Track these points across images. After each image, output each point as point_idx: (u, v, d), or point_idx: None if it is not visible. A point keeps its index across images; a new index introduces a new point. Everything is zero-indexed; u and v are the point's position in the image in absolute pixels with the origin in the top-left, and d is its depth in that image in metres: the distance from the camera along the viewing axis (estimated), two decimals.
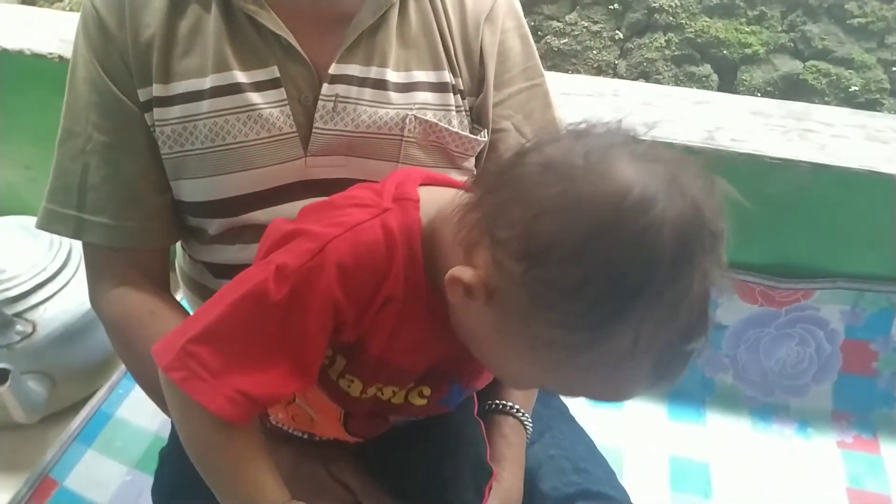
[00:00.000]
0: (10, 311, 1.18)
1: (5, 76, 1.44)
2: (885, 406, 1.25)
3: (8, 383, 1.03)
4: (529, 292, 0.49)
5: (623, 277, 0.46)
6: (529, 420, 0.79)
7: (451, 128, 0.78)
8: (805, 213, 1.18)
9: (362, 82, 0.76)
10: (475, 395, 0.74)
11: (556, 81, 1.39)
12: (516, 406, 0.78)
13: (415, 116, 0.76)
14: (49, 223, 0.78)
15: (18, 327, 1.18)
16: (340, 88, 0.75)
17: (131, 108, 0.75)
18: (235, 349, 0.56)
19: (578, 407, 0.96)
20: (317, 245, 0.56)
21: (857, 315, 1.22)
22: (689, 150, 1.13)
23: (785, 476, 1.16)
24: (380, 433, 0.70)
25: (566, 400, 0.97)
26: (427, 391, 0.66)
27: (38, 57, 1.37)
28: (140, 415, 1.19)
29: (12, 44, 1.39)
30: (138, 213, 0.77)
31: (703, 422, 1.25)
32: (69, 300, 1.23)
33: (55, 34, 1.43)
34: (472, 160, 0.82)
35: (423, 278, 0.58)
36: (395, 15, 0.78)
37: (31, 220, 1.32)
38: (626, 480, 0.85)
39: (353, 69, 0.76)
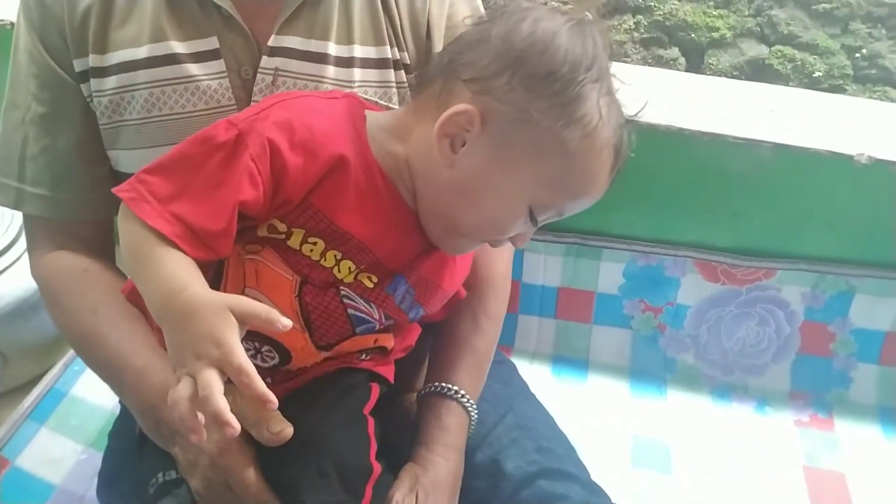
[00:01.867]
0: None
1: None
2: (840, 386, 1.27)
3: None
4: (520, 89, 0.63)
5: (577, 65, 0.63)
6: (473, 406, 0.79)
7: (391, 105, 0.78)
8: (766, 194, 1.19)
9: (303, 55, 0.75)
10: (374, 394, 0.72)
11: None
12: (461, 391, 0.78)
13: (354, 94, 0.75)
14: None
15: None
16: (279, 61, 0.75)
17: (67, 79, 0.75)
18: (180, 181, 0.61)
19: (540, 385, 0.96)
20: (266, 104, 0.65)
21: (817, 297, 1.24)
22: (654, 130, 1.13)
23: (744, 453, 1.17)
24: (335, 323, 0.68)
25: (527, 378, 0.97)
26: (374, 278, 0.68)
27: None
28: (96, 392, 1.16)
29: None
30: (75, 184, 0.77)
31: (664, 399, 1.27)
32: (21, 275, 1.20)
33: (8, 0, 1.38)
34: None
35: (376, 164, 0.67)
36: None
37: None
38: (588, 457, 0.86)
39: (294, 41, 0.75)
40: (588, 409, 1.23)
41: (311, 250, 0.65)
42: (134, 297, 0.74)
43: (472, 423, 0.79)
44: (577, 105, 0.62)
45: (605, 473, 0.85)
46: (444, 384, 0.78)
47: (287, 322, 0.55)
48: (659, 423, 1.22)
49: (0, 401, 1.21)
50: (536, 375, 1.26)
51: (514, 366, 1.00)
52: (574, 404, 1.23)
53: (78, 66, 0.75)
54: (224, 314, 0.55)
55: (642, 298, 1.29)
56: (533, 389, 0.96)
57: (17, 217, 1.25)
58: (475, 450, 0.81)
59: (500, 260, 0.87)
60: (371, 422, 0.69)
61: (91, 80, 0.75)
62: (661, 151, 1.14)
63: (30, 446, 1.08)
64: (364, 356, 0.72)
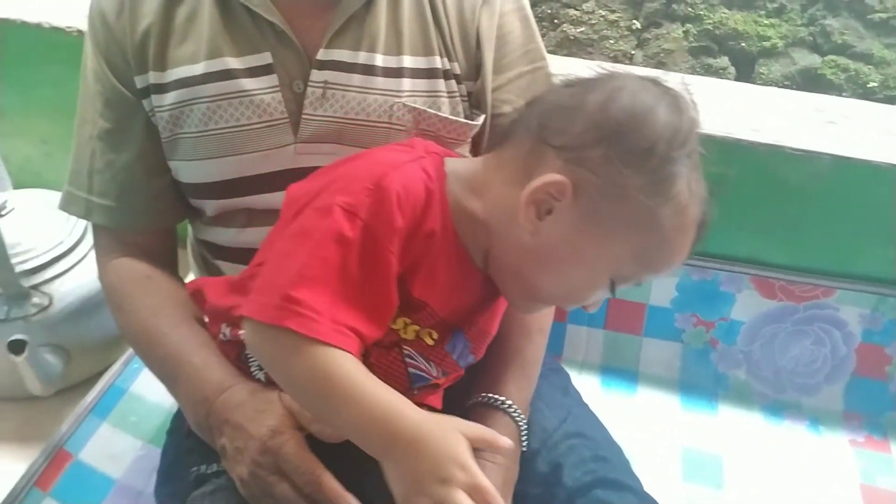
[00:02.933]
0: (27, 283, 1.18)
1: (24, 50, 1.43)
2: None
3: (25, 354, 1.03)
4: (616, 164, 0.61)
5: (672, 142, 0.61)
6: (522, 418, 0.79)
7: (440, 114, 0.78)
8: (825, 208, 1.17)
9: (351, 68, 0.76)
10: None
11: (574, 66, 1.38)
12: (508, 401, 0.78)
13: (403, 104, 0.77)
14: (67, 204, 0.85)
15: (35, 300, 1.18)
16: (329, 74, 0.76)
17: (129, 97, 0.79)
18: (330, 290, 0.59)
19: (589, 396, 0.96)
20: (371, 182, 0.61)
21: (876, 319, 1.22)
22: (709, 140, 1.11)
23: (797, 471, 1.16)
24: (395, 379, 0.68)
25: (580, 388, 0.97)
26: (435, 334, 0.69)
27: (56, 30, 1.37)
28: (154, 390, 1.19)
29: (31, 17, 1.38)
30: (138, 195, 0.82)
31: (715, 414, 1.25)
32: (85, 274, 1.23)
33: (74, 8, 1.43)
34: (467, 146, 0.83)
35: (451, 224, 0.66)
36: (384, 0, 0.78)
37: (49, 194, 1.34)
38: (638, 470, 0.85)
39: (342, 54, 0.77)
40: (638, 421, 1.22)
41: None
42: (197, 299, 0.77)
43: (522, 432, 0.79)
44: (672, 183, 0.62)
45: (655, 487, 0.84)
46: (492, 395, 0.79)
47: (508, 442, 0.60)
48: (710, 438, 1.21)
49: (63, 396, 1.23)
50: (585, 386, 1.24)
51: (567, 375, 1.00)
52: (623, 416, 1.22)
53: (139, 83, 0.79)
54: (458, 436, 0.57)
55: (695, 312, 1.28)
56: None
57: (80, 220, 1.29)
58: (535, 455, 0.81)
59: None
60: None
61: (152, 96, 0.78)
62: (717, 162, 1.13)
63: (91, 441, 1.10)
64: (416, 391, 0.72)
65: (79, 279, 1.23)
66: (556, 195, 0.63)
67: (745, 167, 1.14)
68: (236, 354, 0.73)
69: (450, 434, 0.56)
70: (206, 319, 0.77)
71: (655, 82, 0.65)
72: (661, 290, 1.27)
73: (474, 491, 0.54)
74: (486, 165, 0.70)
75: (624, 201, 0.62)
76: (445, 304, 0.67)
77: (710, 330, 1.28)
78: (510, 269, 0.67)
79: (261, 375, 0.72)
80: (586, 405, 0.95)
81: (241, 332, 0.70)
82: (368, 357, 0.67)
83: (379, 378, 0.65)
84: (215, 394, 0.70)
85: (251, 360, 0.72)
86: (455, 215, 0.66)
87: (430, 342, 0.69)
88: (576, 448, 0.83)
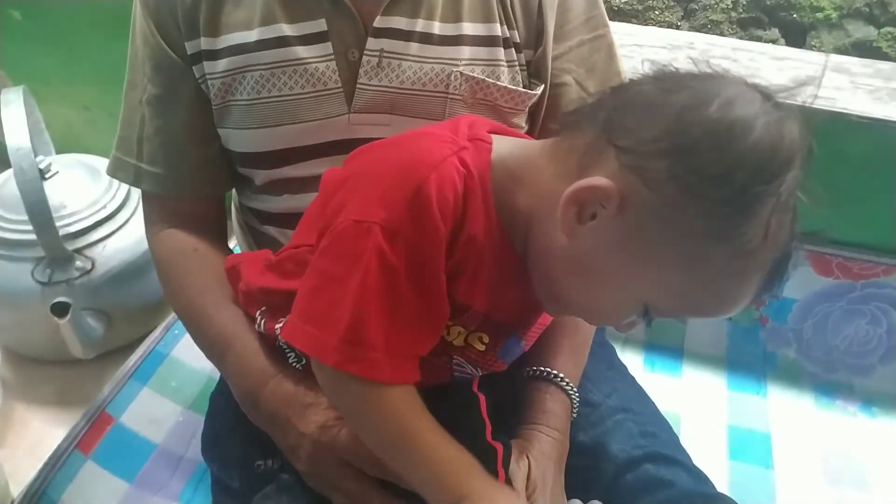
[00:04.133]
0: (71, 246, 1.19)
1: (67, 16, 1.43)
2: None
3: (68, 317, 1.04)
4: (679, 184, 0.52)
5: (760, 170, 0.51)
6: (575, 391, 0.77)
7: (499, 83, 0.75)
8: (891, 180, 1.11)
9: (408, 36, 0.74)
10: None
11: (629, 33, 1.33)
12: (560, 374, 0.76)
13: (461, 73, 0.74)
14: (115, 170, 0.84)
15: (78, 263, 1.19)
16: (385, 43, 0.74)
17: (179, 62, 0.77)
18: (387, 320, 0.56)
19: (635, 371, 0.94)
20: (410, 191, 0.56)
21: None
22: None
23: (849, 453, 1.12)
24: (437, 379, 0.67)
25: (625, 362, 0.95)
26: (486, 338, 0.65)
27: None
28: (195, 356, 1.19)
29: None
30: (187, 163, 0.80)
31: (763, 394, 1.22)
32: (127, 238, 1.24)
33: None
34: (524, 116, 0.79)
35: (497, 220, 0.60)
36: None
37: (92, 159, 1.34)
38: (685, 446, 0.83)
39: (399, 22, 0.74)
40: (683, 399, 1.20)
41: None
42: (232, 276, 0.76)
43: (574, 407, 0.77)
44: (742, 220, 0.52)
45: (702, 465, 0.82)
46: (546, 369, 0.76)
47: None
48: (758, 417, 1.17)
49: (104, 360, 1.25)
50: (628, 362, 1.22)
51: (613, 348, 0.98)
52: (667, 396, 1.19)
53: (190, 48, 0.76)
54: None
55: None
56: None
57: (122, 185, 1.29)
58: (578, 429, 0.79)
59: None
60: (482, 400, 0.67)
61: (204, 62, 0.76)
62: None
63: (132, 405, 1.11)
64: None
65: (121, 244, 1.23)
66: (601, 201, 0.55)
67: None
68: (272, 344, 0.71)
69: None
70: (241, 299, 0.75)
71: (767, 96, 0.54)
72: None
73: None
74: (540, 153, 0.62)
75: (674, 227, 0.53)
76: (490, 304, 0.63)
77: (759, 307, 1.25)
78: (542, 268, 0.61)
79: (299, 366, 0.70)
80: (633, 379, 0.92)
81: (277, 325, 0.68)
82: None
83: (425, 378, 0.64)
84: (259, 386, 0.69)
85: (288, 351, 0.70)
86: (500, 210, 0.60)
87: (480, 347, 0.66)
88: (623, 423, 0.81)
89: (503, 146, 0.62)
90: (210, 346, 0.77)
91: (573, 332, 0.80)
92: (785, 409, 1.19)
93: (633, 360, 1.26)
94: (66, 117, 1.60)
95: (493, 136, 0.63)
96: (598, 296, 0.59)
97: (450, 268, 0.58)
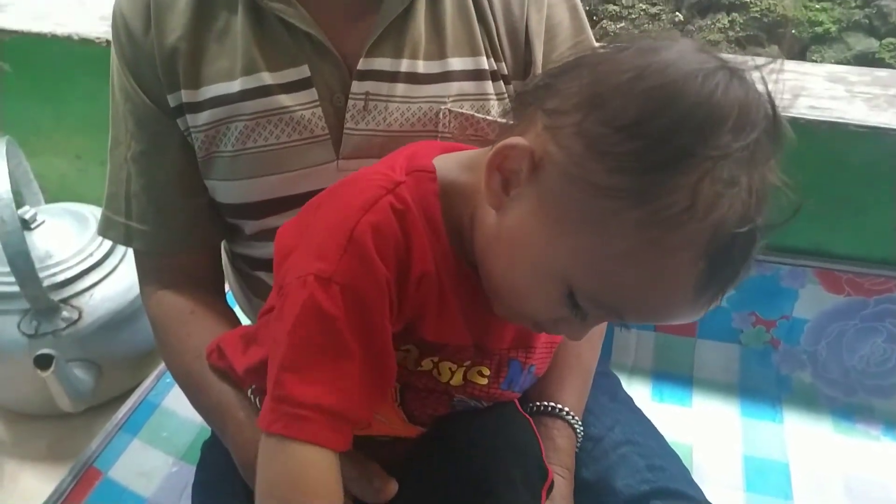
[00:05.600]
0: (57, 296, 1.17)
1: (54, 64, 1.43)
2: None
3: (52, 369, 1.01)
4: (585, 137, 0.47)
5: (684, 122, 0.45)
6: (580, 424, 0.73)
7: (489, 117, 0.73)
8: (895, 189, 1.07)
9: (393, 77, 0.72)
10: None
11: None
12: (565, 408, 0.73)
13: (449, 110, 0.72)
14: (105, 230, 0.81)
15: (65, 313, 1.16)
16: (370, 85, 0.72)
17: (162, 116, 0.75)
18: (325, 374, 0.51)
19: (643, 401, 0.90)
20: (343, 237, 0.52)
21: None
22: None
23: (876, 478, 1.06)
24: (440, 414, 0.64)
25: (632, 393, 0.91)
26: (486, 371, 0.62)
27: (85, 42, 1.36)
28: (187, 405, 1.14)
29: (61, 29, 1.37)
30: (177, 217, 0.78)
31: (779, 421, 1.16)
32: (116, 286, 1.21)
33: (102, 18, 1.42)
34: None
35: (451, 250, 0.56)
36: (423, 0, 0.73)
37: (80, 207, 1.33)
38: (697, 480, 0.79)
39: (383, 63, 0.72)
40: (695, 428, 1.14)
41: (405, 358, 0.59)
42: (217, 357, 0.72)
43: (578, 441, 0.74)
44: (656, 179, 0.45)
45: (717, 499, 0.77)
46: (550, 403, 0.73)
47: None
48: (775, 445, 1.12)
49: (95, 413, 1.22)
50: (635, 394, 1.17)
51: (617, 379, 0.94)
52: (680, 423, 1.14)
53: (171, 101, 0.74)
54: None
55: (753, 311, 1.19)
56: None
57: None
58: (580, 465, 0.75)
59: None
60: (532, 422, 0.66)
61: (186, 115, 0.74)
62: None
63: (122, 458, 1.08)
64: None
65: (109, 292, 1.21)
66: (518, 164, 0.51)
67: (803, 148, 1.06)
68: None
69: None
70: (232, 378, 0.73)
71: (717, 57, 0.48)
72: None
73: None
74: (485, 152, 0.57)
75: (583, 187, 0.47)
76: (473, 334, 0.60)
77: (770, 329, 1.20)
78: (480, 259, 0.56)
79: None
80: (638, 410, 0.89)
81: None
82: (406, 404, 0.62)
83: (427, 418, 0.62)
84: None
85: None
86: (453, 235, 0.56)
87: (481, 381, 0.63)
88: (628, 457, 0.77)
89: (449, 166, 0.58)
90: (209, 414, 0.75)
91: (579, 364, 0.77)
92: (803, 436, 1.14)
93: (640, 391, 1.21)
94: (59, 167, 1.59)
95: (438, 158, 0.59)
96: (523, 278, 0.53)
97: (411, 311, 0.55)
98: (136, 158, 0.77)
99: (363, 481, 0.61)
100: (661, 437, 0.84)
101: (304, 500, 0.50)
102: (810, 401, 1.19)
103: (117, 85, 0.77)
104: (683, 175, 0.45)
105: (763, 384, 1.21)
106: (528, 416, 0.66)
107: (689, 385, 1.22)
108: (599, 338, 0.83)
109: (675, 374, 1.23)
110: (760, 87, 0.48)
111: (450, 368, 0.61)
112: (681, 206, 0.45)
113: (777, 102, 0.48)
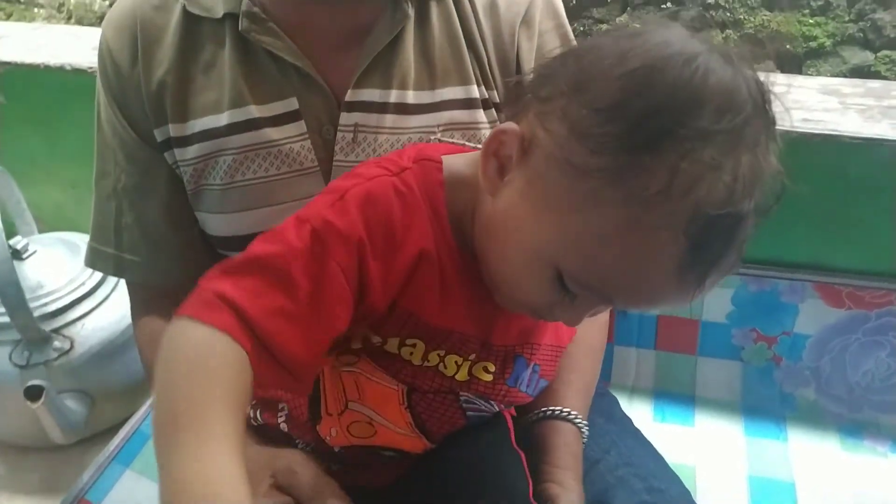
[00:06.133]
0: (48, 327, 1.16)
1: (49, 94, 1.43)
2: None
3: (41, 400, 1.00)
4: (569, 120, 0.48)
5: (663, 104, 0.46)
6: (586, 426, 0.72)
7: (479, 146, 0.72)
8: (893, 200, 1.06)
9: (383, 108, 0.72)
10: (511, 424, 0.67)
11: None
12: (573, 412, 0.72)
13: (439, 140, 0.71)
14: (94, 261, 0.81)
15: (56, 343, 1.15)
16: (359, 116, 0.72)
17: (150, 150, 0.75)
18: (251, 284, 0.50)
19: (645, 421, 0.88)
20: (335, 195, 0.55)
21: None
22: None
23: (886, 496, 1.04)
24: (451, 423, 0.63)
25: (631, 416, 0.90)
26: (491, 367, 0.61)
27: (78, 72, 1.36)
28: None
29: (54, 60, 1.38)
30: (168, 250, 0.78)
31: (784, 439, 1.14)
32: (108, 316, 1.21)
33: (94, 48, 1.42)
34: None
35: (453, 238, 0.57)
36: (411, 29, 0.72)
37: (73, 236, 1.32)
38: (703, 502, 0.77)
39: (372, 94, 0.72)
40: (698, 448, 1.12)
41: (412, 353, 0.59)
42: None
43: (583, 446, 0.73)
44: (634, 159, 0.46)
45: None
46: (558, 407, 0.72)
47: None
48: (780, 466, 1.09)
49: (89, 444, 1.20)
50: (636, 414, 1.16)
51: (615, 399, 0.93)
52: (681, 444, 1.12)
53: (159, 135, 0.74)
54: None
55: (754, 327, 1.17)
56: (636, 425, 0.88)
57: None
58: None
59: None
60: (523, 457, 0.64)
61: (174, 149, 0.74)
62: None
63: (114, 490, 1.06)
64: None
65: (101, 321, 1.20)
66: (509, 149, 0.53)
67: (798, 161, 1.04)
68: (271, 434, 0.68)
69: None
70: None
71: (706, 42, 0.49)
72: (716, 303, 1.17)
73: None
74: None
75: (566, 169, 0.48)
76: (479, 325, 0.60)
77: (772, 346, 1.18)
78: (479, 247, 0.57)
79: (307, 449, 0.67)
80: (637, 431, 0.87)
81: (280, 419, 0.66)
82: (414, 407, 0.61)
83: (434, 427, 0.61)
84: None
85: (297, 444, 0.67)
86: (456, 225, 0.58)
87: (486, 377, 0.62)
88: (625, 479, 0.75)
89: (456, 161, 0.60)
90: None
91: (582, 375, 0.76)
92: (808, 455, 1.11)
93: (641, 411, 1.19)
94: (55, 197, 1.59)
95: (447, 155, 0.61)
96: (515, 263, 0.54)
97: (405, 288, 0.55)
98: (126, 190, 0.77)
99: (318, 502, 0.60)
100: (661, 457, 0.82)
101: (202, 383, 0.46)
102: (815, 418, 1.16)
103: (104, 118, 0.77)
104: (662, 155, 0.45)
105: (766, 402, 1.18)
106: (520, 451, 0.65)
107: (692, 404, 1.20)
108: (601, 351, 0.82)
109: (676, 394, 1.21)
110: (749, 72, 0.48)
111: (455, 362, 0.60)
112: (658, 185, 0.45)
113: (769, 88, 0.49)
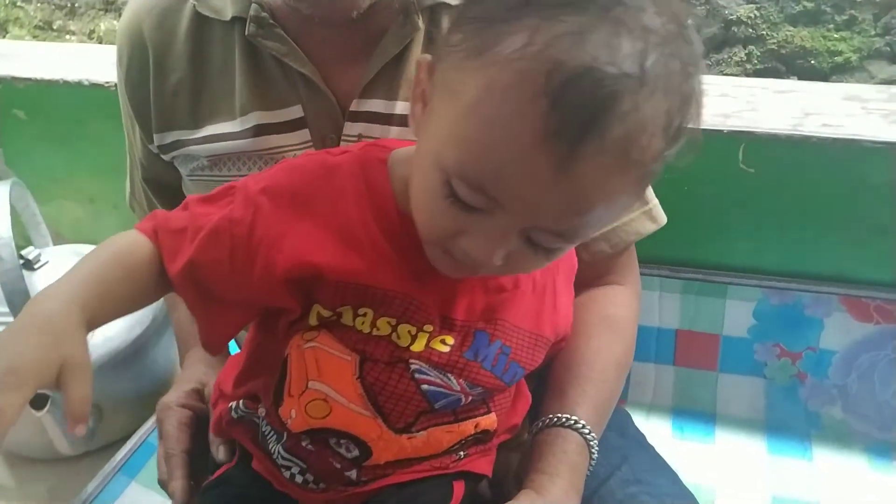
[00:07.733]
0: None
1: (67, 109, 1.45)
2: None
3: (46, 409, 0.99)
4: (454, 26, 0.51)
5: None
6: (595, 442, 0.68)
7: None
8: None
9: (387, 119, 0.71)
10: (459, 494, 0.64)
11: None
12: (581, 421, 0.68)
13: None
14: (131, 202, 0.93)
15: None
16: (363, 127, 0.72)
17: (159, 156, 0.80)
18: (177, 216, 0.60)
19: (660, 441, 0.84)
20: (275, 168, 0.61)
21: None
22: (775, 139, 0.99)
23: None
24: (405, 399, 0.59)
25: (645, 433, 0.86)
26: (449, 339, 0.59)
27: (95, 87, 1.38)
28: None
29: (71, 75, 1.40)
30: None
31: (809, 458, 1.09)
32: (117, 326, 1.20)
33: (111, 63, 1.44)
34: None
35: (395, 207, 0.57)
36: (420, 40, 0.72)
37: (86, 248, 1.32)
38: None
39: (377, 105, 0.72)
40: (719, 467, 1.08)
41: (363, 322, 0.57)
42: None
43: (592, 456, 0.68)
44: (502, 28, 0.45)
45: None
46: (567, 415, 0.68)
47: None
48: (805, 486, 1.05)
49: (97, 456, 1.19)
50: (655, 431, 1.12)
51: (628, 414, 0.89)
52: (701, 462, 1.08)
53: (167, 138, 0.78)
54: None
55: (777, 342, 1.13)
56: (649, 440, 0.85)
57: None
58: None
59: (615, 304, 0.79)
60: (457, 489, 0.62)
61: (181, 150, 0.77)
62: (788, 165, 1.00)
63: (119, 501, 1.05)
64: (462, 453, 0.63)
65: (110, 331, 1.19)
66: (424, 82, 0.53)
67: (819, 168, 1.01)
68: (251, 435, 0.65)
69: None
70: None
71: None
72: (737, 317, 1.14)
73: None
74: None
75: (446, 65, 0.49)
76: (424, 291, 0.57)
77: (796, 362, 1.14)
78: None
79: (296, 474, 0.63)
80: (650, 447, 0.84)
81: (260, 408, 0.64)
82: (365, 377, 0.58)
83: (388, 403, 0.58)
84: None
85: (269, 437, 0.64)
86: (402, 197, 0.57)
87: (443, 349, 0.59)
88: (636, 497, 0.72)
89: (408, 147, 0.60)
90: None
91: (598, 385, 0.72)
92: (835, 475, 1.07)
93: (659, 427, 1.15)
94: (73, 211, 1.60)
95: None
96: (417, 185, 0.52)
97: (311, 245, 0.56)
98: (147, 181, 0.86)
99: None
100: (675, 475, 0.79)
101: (104, 246, 0.58)
102: (842, 437, 1.12)
103: (124, 112, 0.83)
104: (522, 20, 0.45)
105: (791, 420, 1.14)
106: (456, 483, 0.63)
107: (712, 422, 1.16)
108: (627, 367, 0.78)
109: (696, 411, 1.17)
110: None
111: (409, 332, 0.58)
112: (515, 45, 0.45)
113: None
